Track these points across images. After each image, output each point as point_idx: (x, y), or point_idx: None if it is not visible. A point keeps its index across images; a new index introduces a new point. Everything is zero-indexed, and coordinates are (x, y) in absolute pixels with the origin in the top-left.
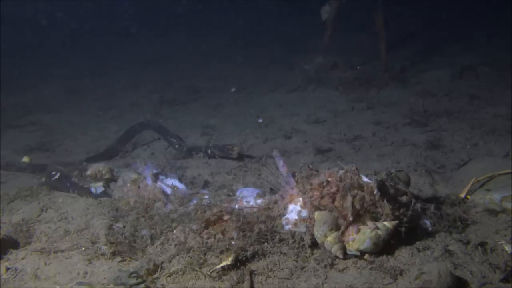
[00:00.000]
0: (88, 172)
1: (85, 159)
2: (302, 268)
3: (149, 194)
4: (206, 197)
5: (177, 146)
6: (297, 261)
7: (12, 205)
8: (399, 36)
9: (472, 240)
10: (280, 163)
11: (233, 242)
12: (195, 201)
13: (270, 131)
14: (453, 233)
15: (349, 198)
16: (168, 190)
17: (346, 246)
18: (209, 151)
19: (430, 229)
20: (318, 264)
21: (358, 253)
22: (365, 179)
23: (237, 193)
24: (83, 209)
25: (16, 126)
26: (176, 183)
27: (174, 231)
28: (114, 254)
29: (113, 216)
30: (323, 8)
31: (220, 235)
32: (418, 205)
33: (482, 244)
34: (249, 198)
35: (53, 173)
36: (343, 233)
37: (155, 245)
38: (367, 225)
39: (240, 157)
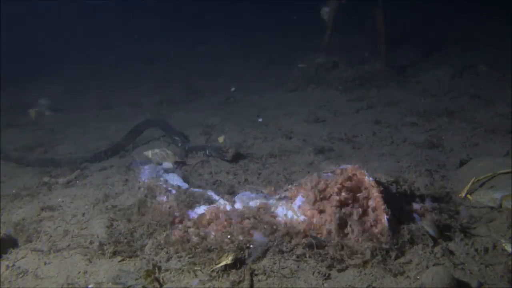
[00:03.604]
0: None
1: (92, 155)
2: (302, 268)
3: (150, 192)
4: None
5: (180, 144)
6: (297, 261)
7: (12, 205)
8: (399, 36)
9: (472, 240)
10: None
11: (228, 240)
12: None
13: (270, 130)
14: (453, 232)
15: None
16: (171, 188)
17: None
18: (207, 151)
19: (431, 231)
20: (318, 263)
21: None
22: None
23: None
24: (83, 208)
25: (16, 126)
26: (178, 181)
27: (174, 230)
28: (114, 253)
29: (113, 214)
30: (322, 10)
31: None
32: (418, 206)
33: (482, 244)
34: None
35: None
36: None
37: (155, 244)
38: None
39: (235, 158)
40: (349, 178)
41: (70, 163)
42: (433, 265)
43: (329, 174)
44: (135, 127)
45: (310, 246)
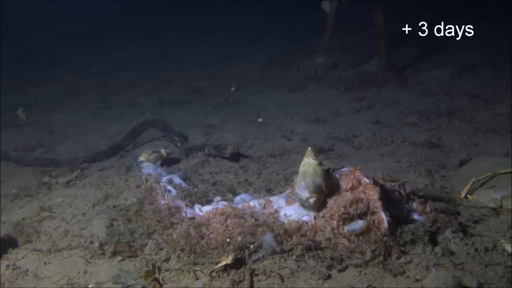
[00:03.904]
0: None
1: (92, 155)
2: (302, 268)
3: (150, 192)
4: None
5: (179, 144)
6: (297, 261)
7: (12, 205)
8: (399, 35)
9: (472, 240)
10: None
11: (228, 240)
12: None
13: (270, 130)
14: (453, 232)
15: None
16: (171, 188)
17: None
18: (206, 149)
19: (429, 228)
20: (318, 264)
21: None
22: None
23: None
24: (83, 208)
25: (16, 126)
26: (178, 181)
27: (174, 229)
28: (114, 253)
29: (113, 214)
30: (323, 3)
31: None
32: (418, 206)
33: (483, 244)
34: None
35: None
36: None
37: (155, 244)
38: None
39: (235, 157)
40: (349, 179)
41: (70, 163)
42: (433, 266)
43: None
44: (135, 127)
45: (308, 248)
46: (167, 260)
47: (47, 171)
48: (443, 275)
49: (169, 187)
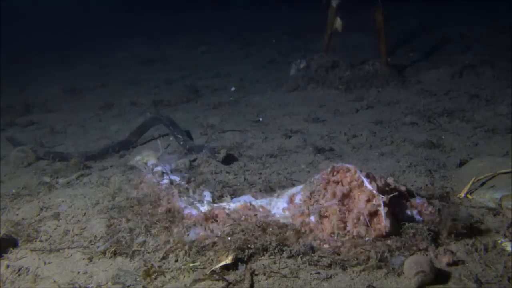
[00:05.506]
0: None
1: (97, 151)
2: (302, 268)
3: (151, 191)
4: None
5: (181, 142)
6: (297, 260)
7: (12, 205)
8: (399, 35)
9: (472, 239)
10: None
11: (229, 238)
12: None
13: (270, 130)
14: (453, 232)
15: None
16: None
17: None
18: (203, 151)
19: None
20: (317, 264)
21: None
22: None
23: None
24: (83, 208)
25: (16, 125)
26: (179, 181)
27: (174, 229)
28: (113, 253)
29: (113, 214)
30: None
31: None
32: (418, 206)
33: (482, 243)
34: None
35: None
36: None
37: (155, 244)
38: None
39: (226, 161)
40: (349, 180)
41: (79, 157)
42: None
43: (325, 176)
44: (144, 123)
45: (304, 253)
46: (166, 259)
47: (47, 171)
48: (418, 258)
49: (170, 187)
